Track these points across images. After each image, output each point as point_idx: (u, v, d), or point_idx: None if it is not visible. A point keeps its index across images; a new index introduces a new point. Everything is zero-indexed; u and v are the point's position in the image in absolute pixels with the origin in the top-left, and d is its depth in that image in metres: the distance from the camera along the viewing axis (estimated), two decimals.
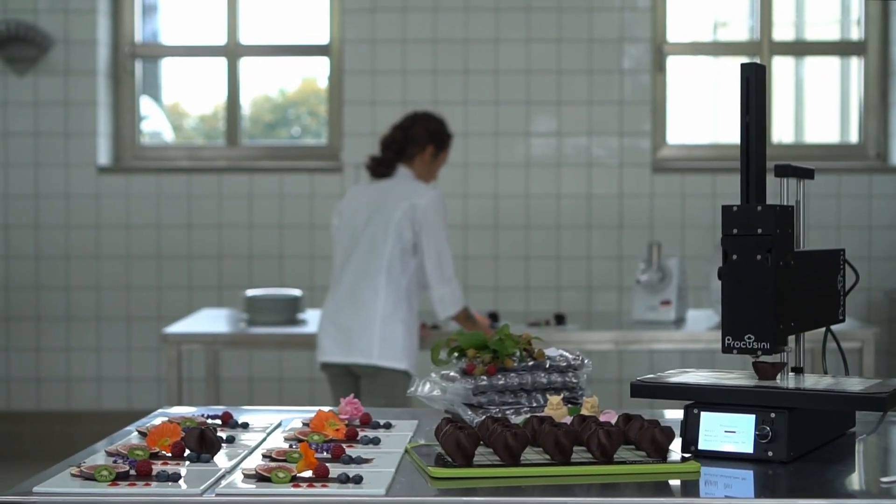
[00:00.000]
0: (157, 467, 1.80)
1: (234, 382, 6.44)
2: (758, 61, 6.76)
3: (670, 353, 6.27)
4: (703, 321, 4.98)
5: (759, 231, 1.96)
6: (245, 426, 2.19)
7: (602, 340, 4.84)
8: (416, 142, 4.73)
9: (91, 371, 6.54)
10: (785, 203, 2.07)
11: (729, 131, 7.03)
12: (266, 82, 7.15)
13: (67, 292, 6.52)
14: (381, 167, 4.72)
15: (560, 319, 4.93)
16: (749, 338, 1.97)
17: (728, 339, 1.99)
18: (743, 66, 2.02)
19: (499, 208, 6.51)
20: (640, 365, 6.32)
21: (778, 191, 2.12)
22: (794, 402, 1.92)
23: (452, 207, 6.48)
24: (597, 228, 6.49)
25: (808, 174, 2.18)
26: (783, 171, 2.11)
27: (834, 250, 2.23)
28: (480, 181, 6.50)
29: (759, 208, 1.97)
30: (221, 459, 1.89)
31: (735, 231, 1.98)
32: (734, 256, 1.98)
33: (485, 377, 2.16)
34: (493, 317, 5.00)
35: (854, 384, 2.03)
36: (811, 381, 2.06)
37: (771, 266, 1.95)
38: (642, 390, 2.07)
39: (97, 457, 1.91)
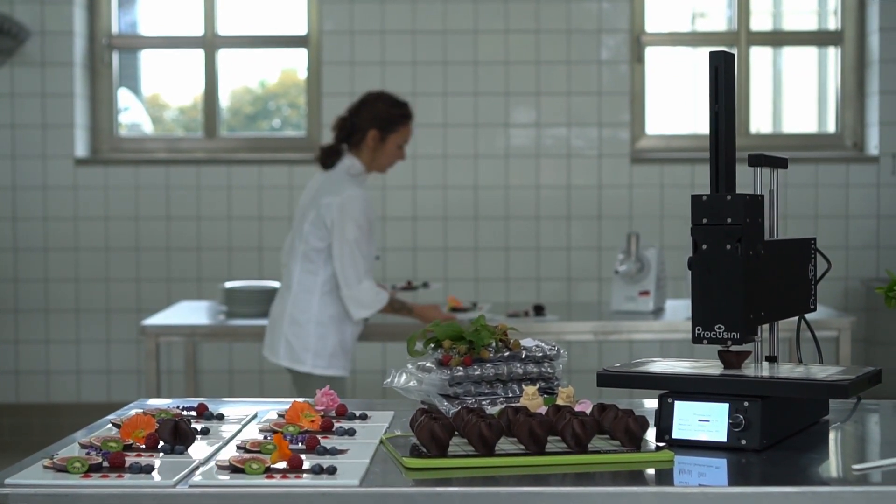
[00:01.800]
0: (131, 459, 1.79)
1: (214, 374, 6.43)
2: (734, 51, 6.77)
3: (649, 343, 6.29)
4: (682, 311, 4.99)
5: (729, 220, 1.96)
6: (220, 418, 2.19)
7: (581, 331, 4.85)
8: (360, 127, 4.55)
9: (70, 363, 6.52)
10: (758, 193, 2.07)
11: (707, 122, 7.04)
12: (245, 74, 7.13)
13: (46, 284, 6.50)
14: (325, 157, 4.60)
15: (539, 310, 4.94)
16: (719, 328, 1.97)
17: (698, 330, 1.99)
18: (712, 54, 2.02)
19: (478, 199, 6.51)
20: (620, 355, 6.33)
21: (752, 181, 2.12)
22: (758, 391, 1.93)
23: (432, 199, 6.49)
24: (576, 219, 6.50)
25: (781, 164, 2.19)
26: (757, 161, 2.11)
27: (805, 239, 2.23)
28: (460, 172, 6.51)
29: (729, 198, 1.97)
30: (196, 451, 1.89)
31: (705, 221, 1.98)
32: (704, 246, 1.98)
33: (461, 368, 2.16)
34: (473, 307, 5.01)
35: (823, 372, 2.03)
36: (784, 370, 2.07)
37: (740, 256, 1.95)
38: (608, 380, 2.07)
39: (71, 448, 1.91)
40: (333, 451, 1.86)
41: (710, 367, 2.09)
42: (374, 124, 4.52)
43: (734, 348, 2.02)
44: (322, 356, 4.46)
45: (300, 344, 4.47)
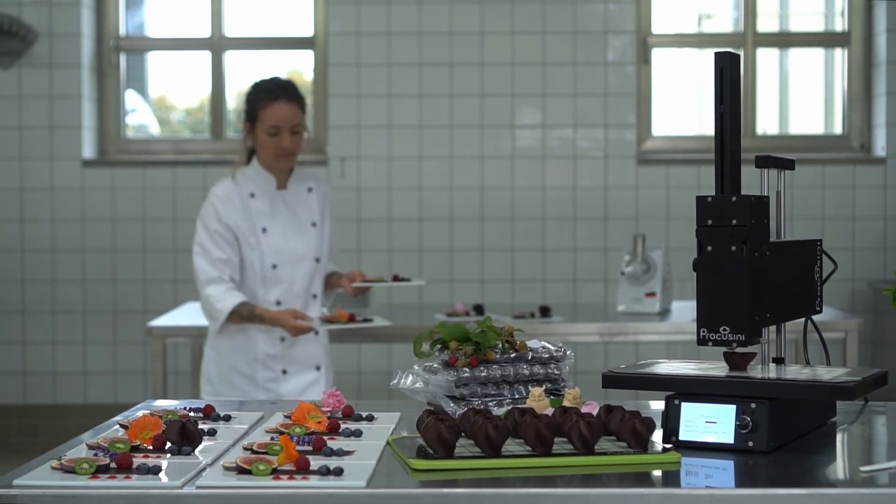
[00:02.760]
0: (138, 460, 1.79)
1: None
2: (741, 53, 6.75)
3: (656, 345, 6.28)
4: (688, 312, 4.98)
5: (734, 222, 1.95)
6: (227, 419, 2.19)
7: (587, 332, 4.84)
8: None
9: (77, 364, 6.53)
10: (765, 194, 2.07)
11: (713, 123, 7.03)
12: (252, 75, 7.12)
13: (53, 286, 6.51)
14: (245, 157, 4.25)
15: (545, 312, 4.93)
16: (724, 329, 1.97)
17: (703, 331, 1.99)
18: (717, 55, 2.01)
19: (484, 201, 6.51)
20: (626, 356, 6.33)
21: (759, 182, 2.12)
22: (763, 392, 1.92)
23: (438, 200, 6.49)
24: (582, 220, 6.50)
25: (788, 165, 2.18)
26: (764, 163, 2.11)
27: (810, 240, 2.22)
28: (466, 174, 6.50)
29: (734, 199, 1.96)
30: (203, 452, 1.89)
31: (710, 222, 1.97)
32: (709, 247, 1.98)
33: (467, 369, 2.16)
34: (479, 309, 4.99)
35: (830, 374, 2.03)
36: (790, 372, 2.07)
37: (746, 257, 1.95)
38: (613, 381, 2.07)
39: (79, 450, 1.91)
40: (340, 453, 1.86)
41: (716, 368, 2.09)
42: (244, 116, 4.13)
43: (739, 350, 2.01)
44: (210, 382, 4.14)
45: (204, 367, 4.24)
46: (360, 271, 4.34)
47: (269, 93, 4.05)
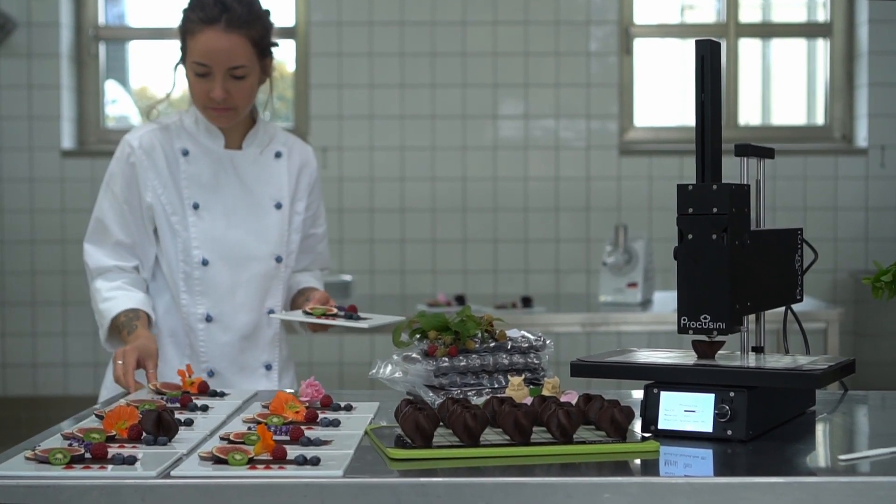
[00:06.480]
0: (114, 450, 1.78)
1: None
2: (723, 43, 6.71)
3: (638, 335, 6.29)
4: (670, 303, 4.99)
5: (715, 210, 1.95)
6: (205, 409, 2.18)
7: (570, 322, 4.84)
8: None
9: (57, 356, 6.50)
10: (744, 182, 2.07)
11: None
12: None
13: (32, 277, 6.47)
14: None
15: (527, 302, 4.93)
16: (705, 318, 1.96)
17: (684, 320, 1.98)
18: (698, 43, 2.00)
19: (467, 191, 6.50)
20: (608, 346, 6.33)
21: (739, 171, 2.11)
22: (727, 380, 1.92)
23: (420, 190, 6.47)
24: (564, 211, 6.50)
25: (768, 153, 2.18)
26: (743, 151, 2.10)
27: (791, 229, 2.22)
28: (448, 164, 6.49)
29: (715, 187, 1.96)
30: (179, 442, 1.88)
31: (690, 210, 1.97)
32: (689, 236, 1.97)
33: (446, 358, 2.15)
34: (460, 300, 4.99)
35: (804, 362, 2.03)
36: (769, 361, 2.06)
37: (726, 245, 1.94)
38: (582, 370, 2.07)
39: (54, 440, 1.89)
40: (317, 442, 1.85)
41: (687, 356, 2.08)
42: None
43: (703, 337, 2.01)
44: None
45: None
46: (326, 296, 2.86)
47: (203, 12, 2.81)
